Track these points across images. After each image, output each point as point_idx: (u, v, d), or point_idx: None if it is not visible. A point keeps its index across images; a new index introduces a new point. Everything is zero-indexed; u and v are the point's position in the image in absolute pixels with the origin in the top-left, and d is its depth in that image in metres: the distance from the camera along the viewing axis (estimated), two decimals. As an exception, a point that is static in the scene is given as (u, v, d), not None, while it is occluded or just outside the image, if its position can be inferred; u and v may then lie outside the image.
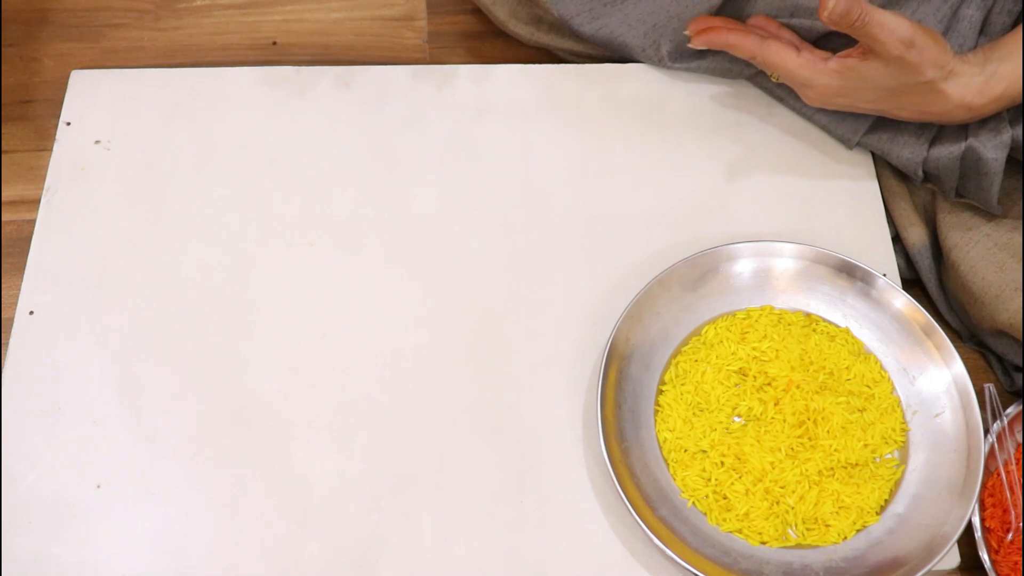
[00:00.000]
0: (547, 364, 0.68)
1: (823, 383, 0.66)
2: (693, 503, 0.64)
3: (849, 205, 0.75)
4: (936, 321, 0.68)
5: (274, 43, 0.86)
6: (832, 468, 0.64)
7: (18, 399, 0.65)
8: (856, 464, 0.64)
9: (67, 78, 0.78)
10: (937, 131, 0.71)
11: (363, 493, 0.64)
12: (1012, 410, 0.68)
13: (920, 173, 0.73)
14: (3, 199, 0.77)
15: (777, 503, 0.63)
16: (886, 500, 0.64)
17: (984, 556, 0.63)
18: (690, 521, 0.63)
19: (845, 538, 0.63)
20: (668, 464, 0.65)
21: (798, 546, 0.63)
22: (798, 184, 0.76)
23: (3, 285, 0.73)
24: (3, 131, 0.80)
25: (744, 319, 0.69)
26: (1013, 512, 0.65)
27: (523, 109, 0.78)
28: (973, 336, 0.73)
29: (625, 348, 0.67)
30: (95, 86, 0.78)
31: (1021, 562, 0.63)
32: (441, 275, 0.71)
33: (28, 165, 0.78)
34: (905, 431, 0.66)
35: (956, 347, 0.67)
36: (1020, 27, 0.67)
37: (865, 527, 0.63)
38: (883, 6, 0.72)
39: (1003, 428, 0.67)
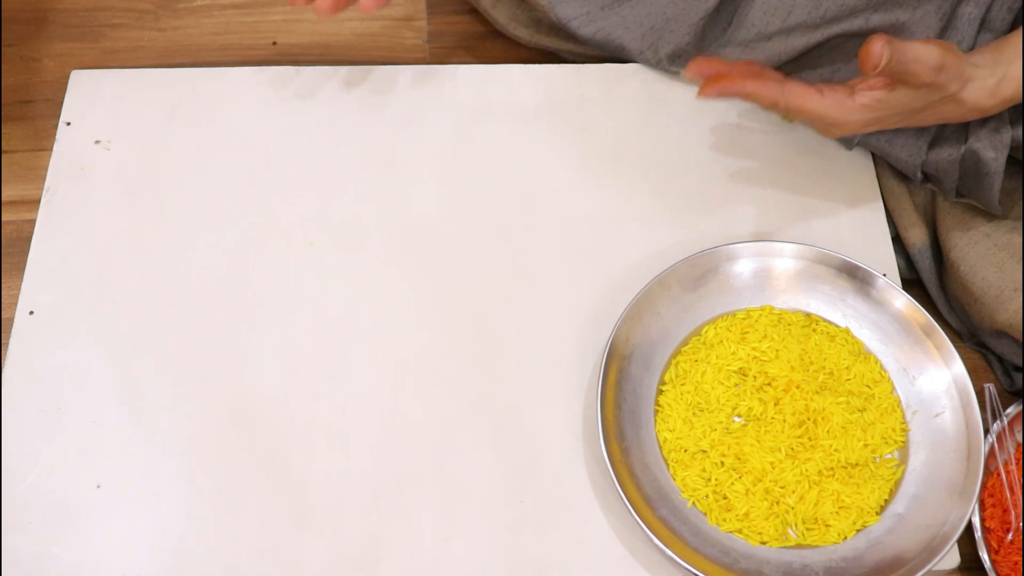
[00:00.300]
0: (547, 364, 0.68)
1: (823, 383, 0.66)
2: (693, 503, 0.64)
3: (849, 205, 0.75)
4: (936, 321, 0.68)
5: (274, 43, 0.86)
6: (832, 468, 0.64)
7: (18, 399, 0.65)
8: (856, 464, 0.64)
9: (67, 78, 0.78)
10: (936, 132, 0.71)
11: (363, 493, 0.64)
12: (1012, 410, 0.68)
13: (919, 174, 0.73)
14: (3, 199, 0.77)
15: (777, 503, 0.63)
16: (886, 500, 0.64)
17: (984, 556, 0.63)
18: (690, 521, 0.63)
19: (845, 538, 0.63)
20: (668, 464, 0.65)
21: (798, 546, 0.63)
22: (798, 184, 0.76)
23: (3, 285, 0.73)
24: (3, 131, 0.80)
25: (744, 319, 0.69)
26: (1013, 512, 0.65)
27: (523, 109, 0.78)
28: (973, 336, 0.73)
29: (625, 348, 0.67)
30: (95, 86, 0.78)
31: (1021, 562, 0.63)
32: (441, 275, 0.71)
33: (28, 165, 0.78)
34: (905, 431, 0.66)
35: (956, 347, 0.67)
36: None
37: (865, 527, 0.63)
38: (882, 5, 0.72)
39: (1003, 428, 0.67)
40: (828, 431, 0.65)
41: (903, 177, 0.76)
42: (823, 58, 0.75)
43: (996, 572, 0.63)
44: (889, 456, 0.65)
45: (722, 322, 0.69)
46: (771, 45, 0.75)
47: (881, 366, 0.68)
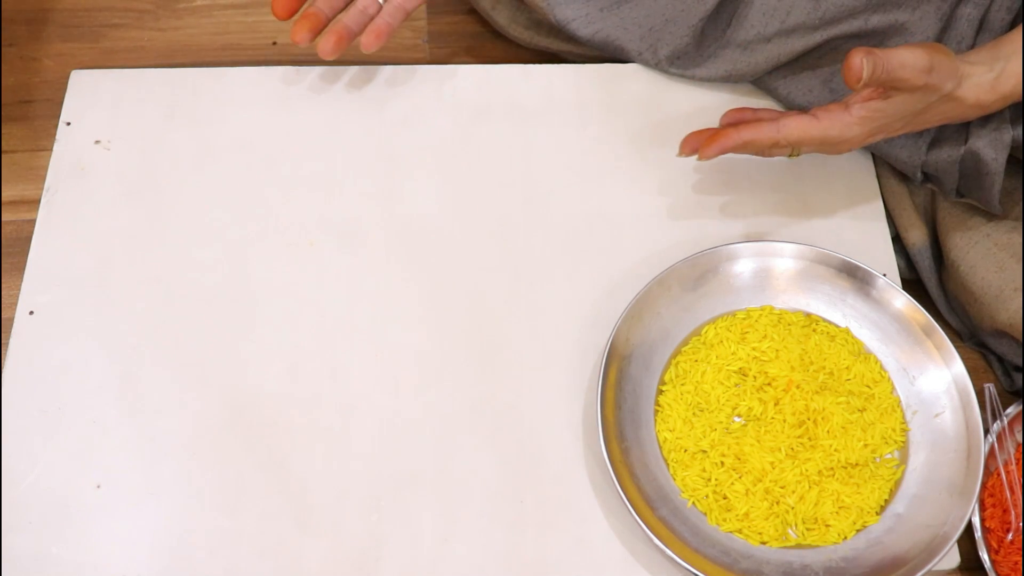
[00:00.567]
0: (547, 364, 0.68)
1: (823, 383, 0.66)
2: (693, 503, 0.64)
3: (849, 205, 0.75)
4: (936, 321, 0.68)
5: (274, 43, 0.86)
6: (832, 468, 0.64)
7: (18, 399, 0.65)
8: (856, 464, 0.64)
9: (67, 78, 0.78)
10: (936, 132, 0.71)
11: (363, 493, 0.64)
12: (1012, 410, 0.68)
13: (919, 174, 0.73)
14: (3, 199, 0.77)
15: (777, 503, 0.63)
16: (886, 500, 0.64)
17: (984, 556, 0.63)
18: (690, 521, 0.63)
19: (845, 538, 0.63)
20: (668, 464, 0.65)
21: (798, 546, 0.63)
22: (798, 184, 0.76)
23: (3, 285, 0.73)
24: (3, 131, 0.80)
25: (744, 319, 0.69)
26: (1013, 512, 0.65)
27: (523, 109, 0.78)
28: (973, 336, 0.73)
29: (625, 348, 0.67)
30: (95, 86, 0.78)
31: (1021, 562, 0.63)
32: (441, 275, 0.71)
33: (28, 165, 0.78)
34: (905, 431, 0.66)
35: (956, 347, 0.67)
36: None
37: (865, 527, 0.63)
38: (881, 6, 0.72)
39: (1003, 428, 0.68)
40: (828, 431, 0.65)
41: (903, 177, 0.76)
42: (822, 59, 0.75)
43: (996, 572, 0.63)
44: (889, 456, 0.65)
45: (722, 322, 0.69)
46: (770, 47, 0.75)
47: (881, 366, 0.68)
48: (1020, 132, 0.68)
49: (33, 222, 0.72)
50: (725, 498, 0.63)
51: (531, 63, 0.81)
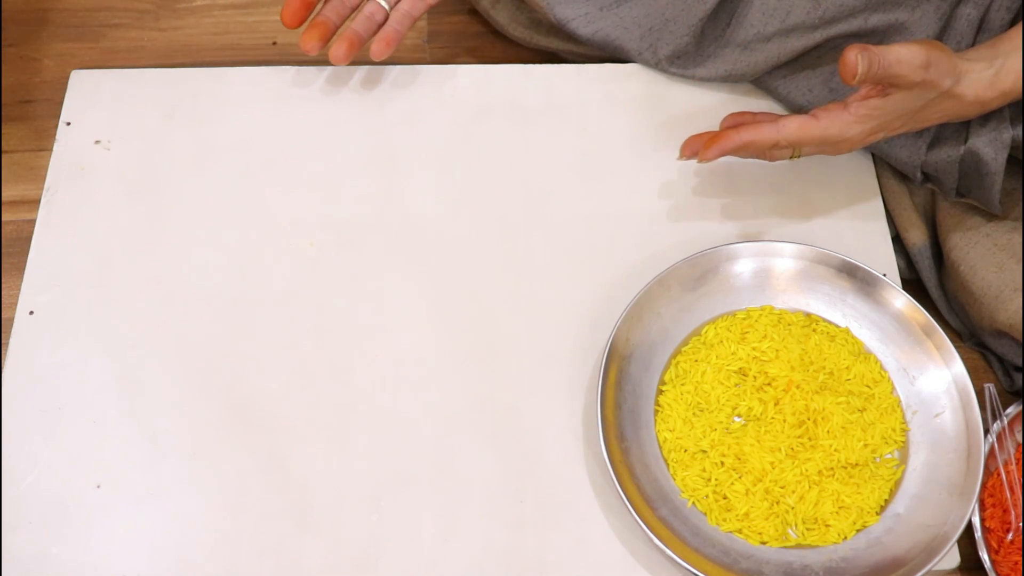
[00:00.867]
0: (547, 364, 0.68)
1: (823, 383, 0.66)
2: (693, 503, 0.64)
3: (849, 205, 0.75)
4: (936, 321, 0.68)
5: (274, 43, 0.86)
6: (832, 468, 0.64)
7: (18, 399, 0.65)
8: (856, 464, 0.64)
9: (67, 78, 0.78)
10: (936, 132, 0.71)
11: (363, 493, 0.64)
12: (1012, 410, 0.68)
13: (919, 174, 0.73)
14: (3, 199, 0.77)
15: (777, 503, 0.63)
16: (886, 500, 0.64)
17: (984, 556, 0.63)
18: (690, 521, 0.63)
19: (845, 538, 0.63)
20: (668, 464, 0.65)
21: (798, 546, 0.63)
22: (798, 184, 0.76)
23: (3, 285, 0.73)
24: (3, 131, 0.80)
25: (744, 319, 0.69)
26: (1013, 512, 0.65)
27: (523, 109, 0.78)
28: (973, 336, 0.73)
29: (625, 348, 0.67)
30: (95, 86, 0.78)
31: (1021, 562, 0.63)
32: (441, 275, 0.71)
33: (28, 165, 0.78)
34: (905, 431, 0.66)
35: (956, 347, 0.67)
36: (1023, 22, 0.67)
37: (865, 527, 0.63)
38: (881, 6, 0.72)
39: (1003, 428, 0.68)
40: (828, 431, 0.65)
41: (903, 177, 0.76)
42: (822, 59, 0.75)
43: (996, 572, 0.63)
44: (889, 456, 0.65)
45: (722, 322, 0.69)
46: (770, 46, 0.75)
47: (881, 366, 0.68)
48: (1020, 131, 0.68)
49: (33, 222, 0.72)
50: (725, 498, 0.63)
51: (531, 63, 0.81)
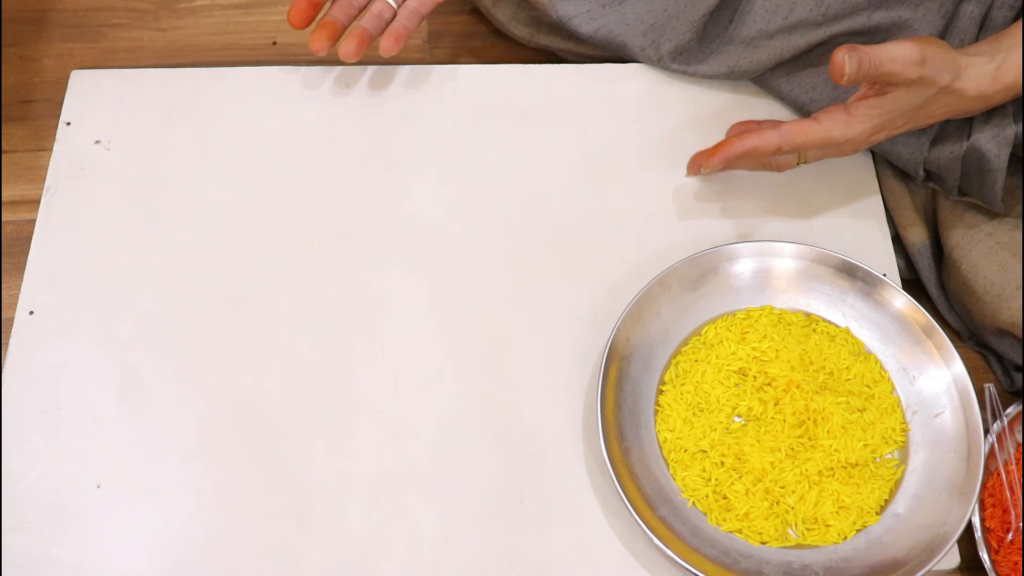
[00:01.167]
0: (547, 364, 0.68)
1: (823, 383, 0.66)
2: (693, 503, 0.64)
3: (849, 205, 0.75)
4: (936, 321, 0.68)
5: (274, 43, 0.86)
6: (832, 468, 0.64)
7: (18, 399, 0.65)
8: (856, 464, 0.64)
9: (67, 78, 0.78)
10: (939, 129, 0.71)
11: (363, 493, 0.64)
12: (1012, 410, 0.68)
13: (921, 172, 0.73)
14: (3, 199, 0.77)
15: (777, 503, 0.63)
16: (886, 500, 0.64)
17: (984, 556, 0.63)
18: (690, 521, 0.63)
19: (845, 538, 0.63)
20: (668, 464, 0.65)
21: (798, 546, 0.63)
22: (798, 184, 0.76)
23: (3, 285, 0.73)
24: (3, 131, 0.80)
25: (744, 319, 0.69)
26: (1013, 512, 0.65)
27: (523, 109, 0.78)
28: (973, 336, 0.73)
29: (625, 348, 0.67)
30: (95, 86, 0.78)
31: (1021, 562, 0.63)
32: (441, 275, 0.71)
33: (28, 165, 0.78)
34: (905, 431, 0.66)
35: (956, 347, 0.66)
36: None
37: (865, 527, 0.63)
38: (884, 3, 0.72)
39: (1003, 428, 0.67)
40: (828, 431, 0.65)
41: (903, 176, 0.76)
42: (825, 57, 0.75)
43: (996, 572, 0.63)
44: (889, 456, 0.65)
45: (722, 322, 0.69)
46: (773, 43, 0.75)
47: (881, 366, 0.68)
48: (1023, 128, 0.68)
49: (33, 222, 0.72)
50: (725, 498, 0.63)
51: (531, 63, 0.80)
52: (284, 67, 0.79)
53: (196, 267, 0.71)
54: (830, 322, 0.70)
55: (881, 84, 0.63)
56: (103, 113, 0.76)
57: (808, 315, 0.70)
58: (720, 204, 0.75)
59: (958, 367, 0.66)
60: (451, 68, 0.80)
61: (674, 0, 0.77)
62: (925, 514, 0.62)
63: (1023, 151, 0.70)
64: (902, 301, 0.68)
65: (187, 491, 0.63)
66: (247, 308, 0.69)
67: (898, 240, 0.75)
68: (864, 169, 0.76)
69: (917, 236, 0.73)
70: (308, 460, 0.65)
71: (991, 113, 0.68)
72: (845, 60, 0.60)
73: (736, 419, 0.66)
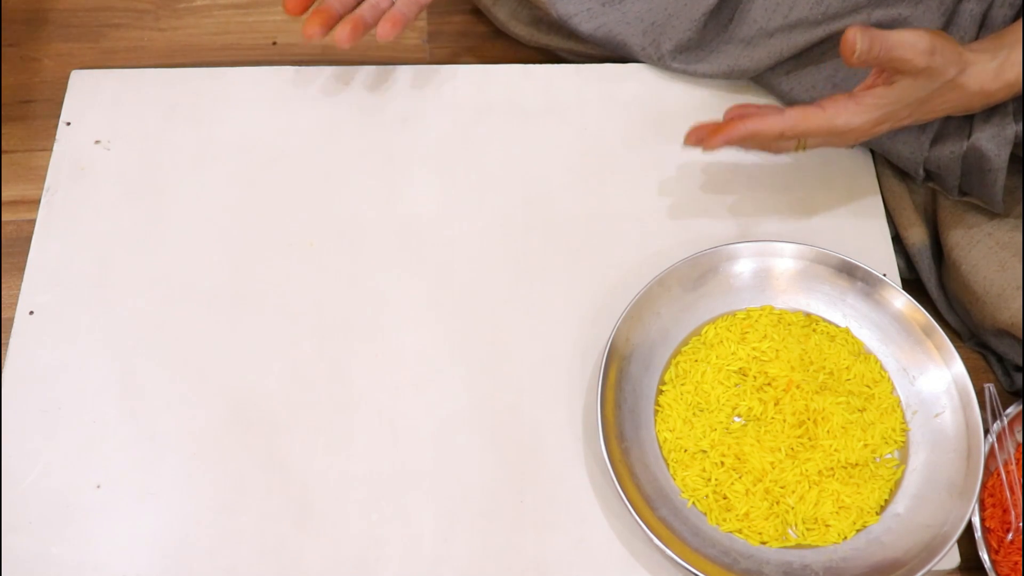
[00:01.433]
0: (547, 364, 0.68)
1: (823, 383, 0.66)
2: (693, 503, 0.64)
3: (849, 205, 0.75)
4: (936, 321, 0.68)
5: (274, 43, 0.86)
6: (832, 468, 0.64)
7: (18, 399, 0.66)
8: (856, 464, 0.64)
9: (67, 78, 0.78)
10: (939, 128, 0.71)
11: (363, 493, 0.64)
12: (1012, 410, 0.68)
13: (921, 172, 0.73)
14: (3, 199, 0.77)
15: (777, 503, 0.63)
16: (886, 500, 0.64)
17: (984, 556, 0.63)
18: (690, 521, 0.63)
19: (845, 538, 0.63)
20: (668, 464, 0.65)
21: (798, 546, 0.63)
22: (798, 184, 0.76)
23: (3, 285, 0.73)
24: (3, 131, 0.80)
25: (744, 319, 0.69)
26: (1013, 512, 0.65)
27: (523, 109, 0.78)
28: (973, 336, 0.73)
29: (625, 348, 0.67)
30: (95, 86, 0.78)
31: (1021, 562, 0.63)
32: (441, 275, 0.71)
33: (28, 165, 0.78)
34: (905, 431, 0.66)
35: (956, 347, 0.66)
36: None
37: (865, 527, 0.63)
38: (884, 1, 0.72)
39: (1003, 428, 0.67)
40: (828, 431, 0.65)
41: (903, 176, 0.76)
42: (825, 55, 0.75)
43: (996, 572, 0.63)
44: (889, 456, 0.65)
45: (722, 322, 0.69)
46: (773, 41, 0.75)
47: (881, 366, 0.68)
48: (1023, 128, 0.68)
49: (33, 222, 0.72)
50: (725, 498, 0.63)
51: (531, 63, 0.80)
52: (284, 67, 0.79)
53: (196, 267, 0.71)
54: (830, 322, 0.70)
55: (889, 71, 0.63)
56: (103, 113, 0.76)
57: (808, 315, 0.70)
58: (720, 204, 0.75)
59: (958, 367, 0.66)
60: (451, 68, 0.80)
61: (674, -1, 0.77)
62: (925, 514, 0.62)
63: (1023, 151, 0.70)
64: (902, 301, 0.68)
65: (187, 491, 0.63)
66: (247, 308, 0.69)
67: (898, 240, 0.75)
68: (864, 169, 0.76)
69: (917, 236, 0.73)
70: (308, 460, 0.65)
71: (991, 113, 0.68)
72: (857, 37, 0.59)
73: (736, 419, 0.66)
